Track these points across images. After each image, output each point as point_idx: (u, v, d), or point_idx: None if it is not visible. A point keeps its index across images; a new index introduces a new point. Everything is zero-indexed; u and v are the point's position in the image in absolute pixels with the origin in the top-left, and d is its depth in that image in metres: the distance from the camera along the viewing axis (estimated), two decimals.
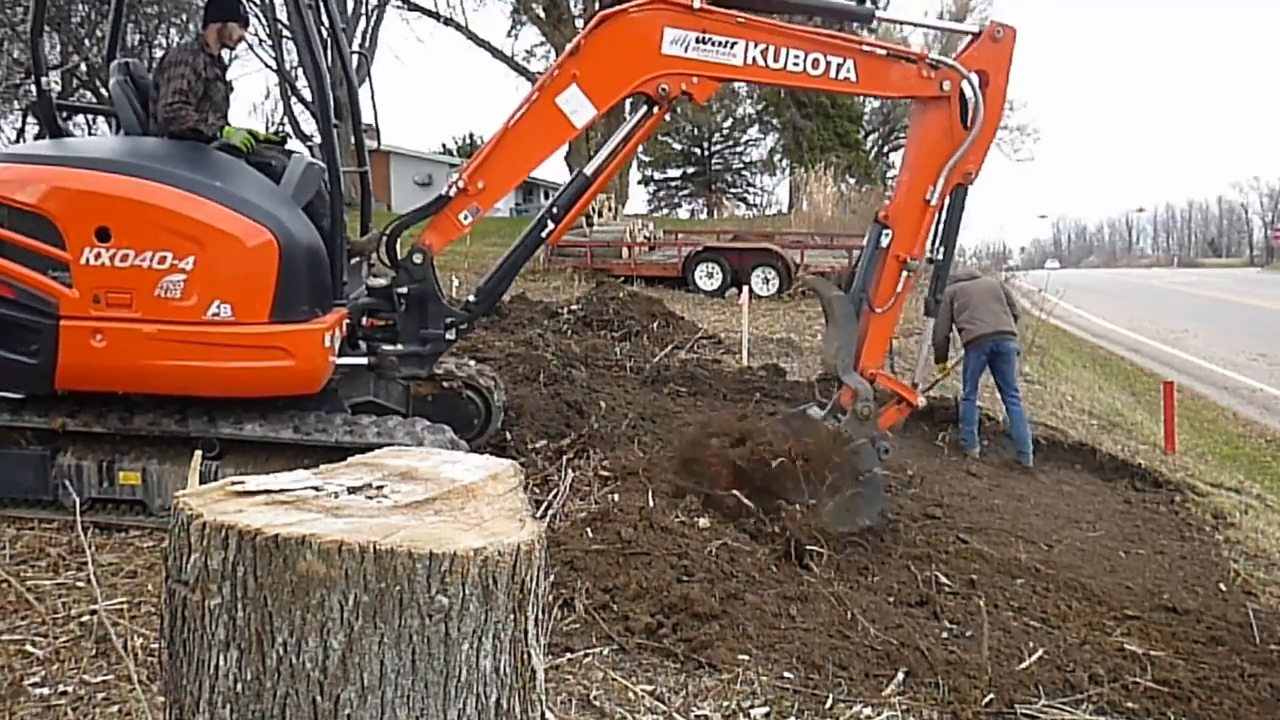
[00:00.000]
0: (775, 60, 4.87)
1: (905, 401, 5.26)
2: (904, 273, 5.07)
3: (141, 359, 4.54)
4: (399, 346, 5.22)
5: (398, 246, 5.33)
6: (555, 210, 5.30)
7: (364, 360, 5.16)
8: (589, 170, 5.27)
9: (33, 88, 5.37)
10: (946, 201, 5.08)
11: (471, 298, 5.39)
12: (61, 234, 4.50)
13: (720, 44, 4.85)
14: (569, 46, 5.04)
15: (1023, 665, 3.84)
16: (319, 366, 4.72)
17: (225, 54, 5.49)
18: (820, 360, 5.16)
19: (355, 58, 5.89)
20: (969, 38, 5.13)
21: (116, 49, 5.75)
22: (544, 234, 5.34)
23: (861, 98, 42.79)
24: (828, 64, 4.90)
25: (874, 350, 5.16)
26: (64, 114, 5.62)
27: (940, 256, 5.23)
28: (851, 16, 5.43)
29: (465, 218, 5.10)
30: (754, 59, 4.87)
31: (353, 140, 5.85)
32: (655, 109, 5.09)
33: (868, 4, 5.29)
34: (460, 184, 5.04)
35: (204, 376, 4.60)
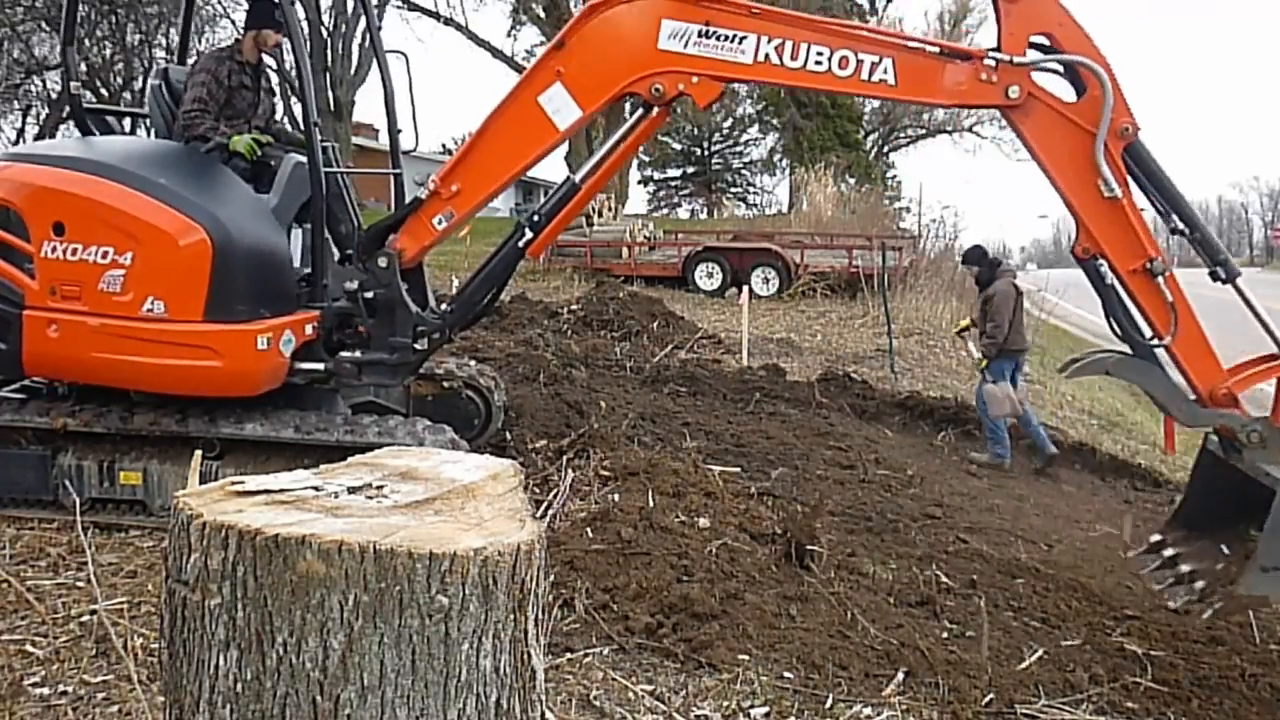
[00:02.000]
0: (793, 58, 4.18)
1: None
2: (1157, 279, 4.06)
3: (87, 351, 4.61)
4: (357, 354, 5.00)
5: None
6: (536, 218, 4.81)
7: (319, 366, 4.96)
8: (578, 177, 4.79)
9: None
10: (1129, 172, 4.08)
11: (445, 306, 5.11)
12: (27, 228, 4.63)
13: (727, 38, 4.23)
14: (554, 39, 4.56)
15: (1023, 665, 3.84)
16: (250, 369, 4.66)
17: (266, 60, 5.47)
18: (1179, 421, 4.27)
19: (398, 59, 5.67)
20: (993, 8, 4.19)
21: (187, 54, 5.93)
22: (521, 244, 4.85)
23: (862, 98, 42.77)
24: (859, 63, 4.14)
25: (1205, 371, 4.11)
26: (103, 116, 5.66)
27: (1180, 224, 4.13)
28: None
29: (439, 222, 4.76)
30: (766, 56, 4.20)
31: (333, 144, 5.63)
32: (651, 112, 4.60)
33: None
34: (430, 186, 4.73)
35: (139, 371, 4.64)
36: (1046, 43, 4.06)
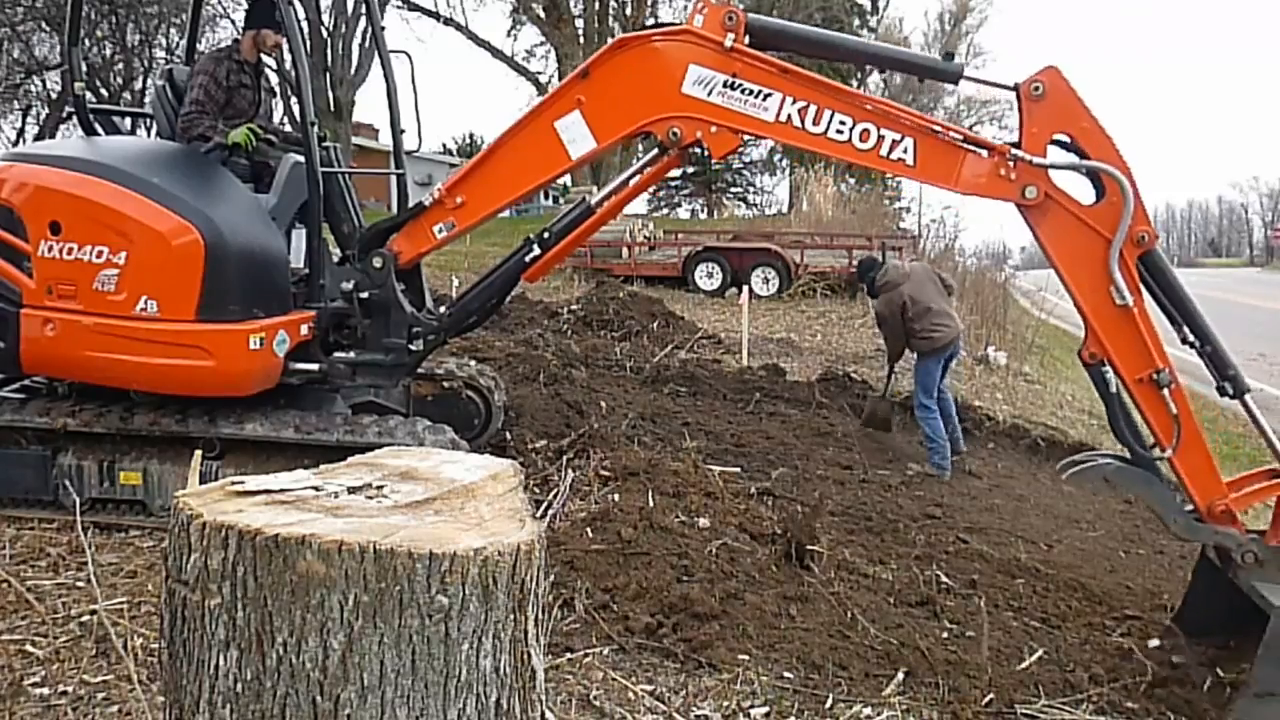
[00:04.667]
0: (815, 123, 4.12)
1: None
2: (1163, 390, 3.92)
3: (82, 350, 4.62)
4: (351, 355, 5.00)
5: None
6: (547, 235, 4.77)
7: (314, 366, 4.95)
8: (594, 200, 4.78)
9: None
10: (1142, 281, 3.94)
11: (445, 309, 5.10)
12: (25, 227, 4.64)
13: (752, 93, 4.17)
14: (580, 67, 4.52)
15: (1023, 665, 3.85)
16: (241, 369, 4.66)
17: (268, 60, 5.48)
18: (1175, 534, 4.15)
19: (401, 58, 5.66)
20: (1015, 104, 4.00)
21: (193, 56, 5.94)
22: (529, 259, 4.81)
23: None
24: (879, 139, 4.06)
25: (1204, 485, 3.95)
26: (109, 116, 5.67)
27: (1191, 336, 4.04)
28: (935, 75, 4.31)
29: (439, 231, 4.74)
30: (789, 117, 4.15)
31: (335, 144, 5.59)
32: (666, 155, 4.54)
33: (956, 61, 4.10)
34: (435, 194, 4.71)
35: (133, 371, 4.64)
36: (1068, 141, 3.93)
